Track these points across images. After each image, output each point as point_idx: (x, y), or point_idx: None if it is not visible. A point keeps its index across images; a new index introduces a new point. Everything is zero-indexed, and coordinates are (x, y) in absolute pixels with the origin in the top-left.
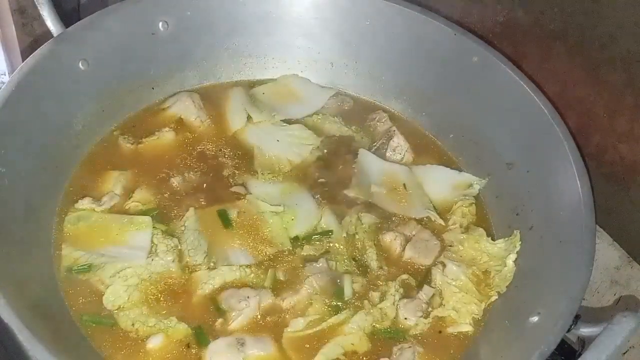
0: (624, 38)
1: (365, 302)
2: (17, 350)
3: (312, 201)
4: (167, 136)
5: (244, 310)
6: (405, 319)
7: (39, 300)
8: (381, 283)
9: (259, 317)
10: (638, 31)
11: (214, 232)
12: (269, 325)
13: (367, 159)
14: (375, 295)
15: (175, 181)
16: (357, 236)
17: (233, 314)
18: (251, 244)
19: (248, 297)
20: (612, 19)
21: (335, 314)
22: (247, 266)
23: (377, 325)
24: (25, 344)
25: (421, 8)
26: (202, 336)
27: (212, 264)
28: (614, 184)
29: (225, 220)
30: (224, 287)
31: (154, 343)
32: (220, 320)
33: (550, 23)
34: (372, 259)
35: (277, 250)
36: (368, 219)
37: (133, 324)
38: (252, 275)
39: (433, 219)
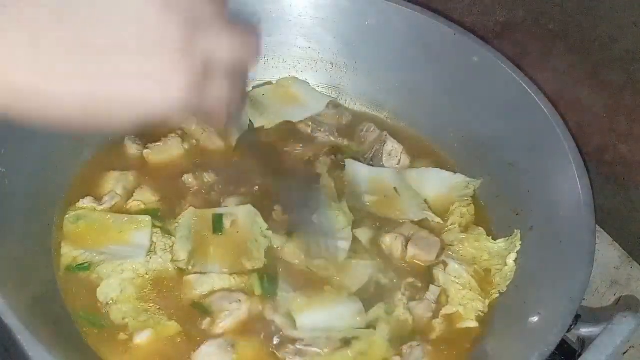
0: (623, 38)
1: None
2: (18, 351)
3: None
4: (172, 142)
5: (234, 312)
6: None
7: (39, 301)
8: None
9: (248, 322)
10: (638, 31)
11: (202, 235)
12: (260, 332)
13: (354, 168)
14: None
15: (178, 184)
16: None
17: (222, 314)
18: (233, 254)
19: (240, 300)
20: (612, 19)
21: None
22: (238, 275)
23: (397, 334)
24: (25, 344)
25: (421, 8)
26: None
27: (190, 267)
28: (613, 184)
29: (217, 225)
30: (214, 292)
31: (142, 338)
32: (208, 319)
33: (550, 23)
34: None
35: (254, 266)
36: (364, 234)
37: (124, 318)
38: (244, 285)
39: (431, 220)
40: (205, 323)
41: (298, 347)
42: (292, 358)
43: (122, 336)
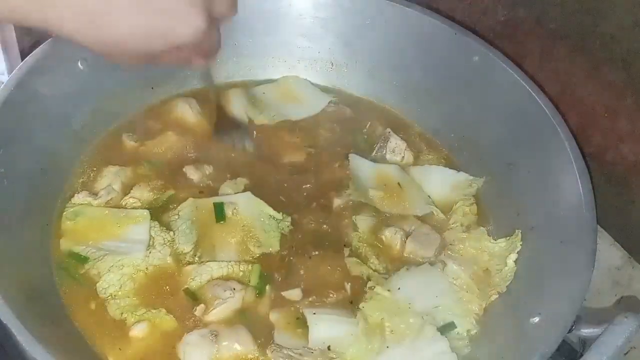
0: (624, 38)
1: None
2: (16, 351)
3: None
4: (170, 139)
5: (228, 299)
6: None
7: (37, 298)
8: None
9: (241, 311)
10: (639, 31)
11: (206, 224)
12: (249, 323)
13: (358, 163)
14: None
15: (175, 177)
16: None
17: (216, 302)
18: (240, 242)
19: (234, 288)
20: (613, 18)
21: None
22: (235, 263)
23: None
24: (24, 344)
25: (422, 7)
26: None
27: (197, 258)
28: (615, 184)
29: (219, 213)
30: (212, 280)
31: (138, 330)
32: (202, 306)
33: (551, 22)
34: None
35: (264, 252)
36: (364, 222)
37: (122, 313)
38: (242, 273)
39: (435, 214)
40: (198, 309)
41: (290, 353)
42: None
43: (119, 324)
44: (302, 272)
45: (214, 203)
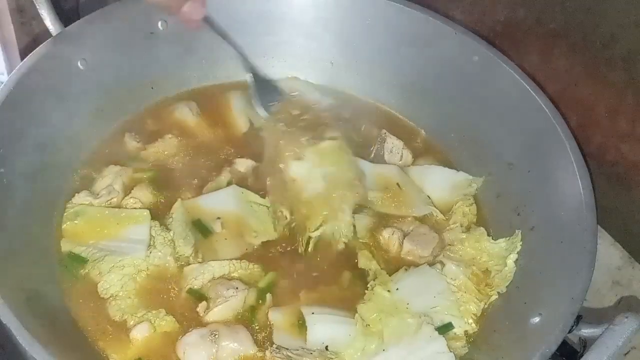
0: (625, 37)
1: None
2: (16, 351)
3: None
4: (170, 142)
5: (230, 298)
6: None
7: (39, 300)
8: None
9: (242, 311)
10: (639, 31)
11: None
12: (249, 323)
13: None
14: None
15: (175, 179)
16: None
17: (218, 300)
18: (237, 235)
19: (237, 288)
20: (614, 18)
21: None
22: (236, 260)
23: None
24: (24, 345)
25: (422, 7)
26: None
27: (199, 259)
28: (615, 184)
29: (203, 230)
30: (214, 279)
31: (139, 331)
32: (204, 303)
33: (551, 22)
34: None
35: (264, 240)
36: (362, 220)
37: (123, 315)
38: (242, 270)
39: (435, 215)
40: (200, 306)
41: (289, 354)
42: None
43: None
44: (302, 271)
45: (192, 222)
